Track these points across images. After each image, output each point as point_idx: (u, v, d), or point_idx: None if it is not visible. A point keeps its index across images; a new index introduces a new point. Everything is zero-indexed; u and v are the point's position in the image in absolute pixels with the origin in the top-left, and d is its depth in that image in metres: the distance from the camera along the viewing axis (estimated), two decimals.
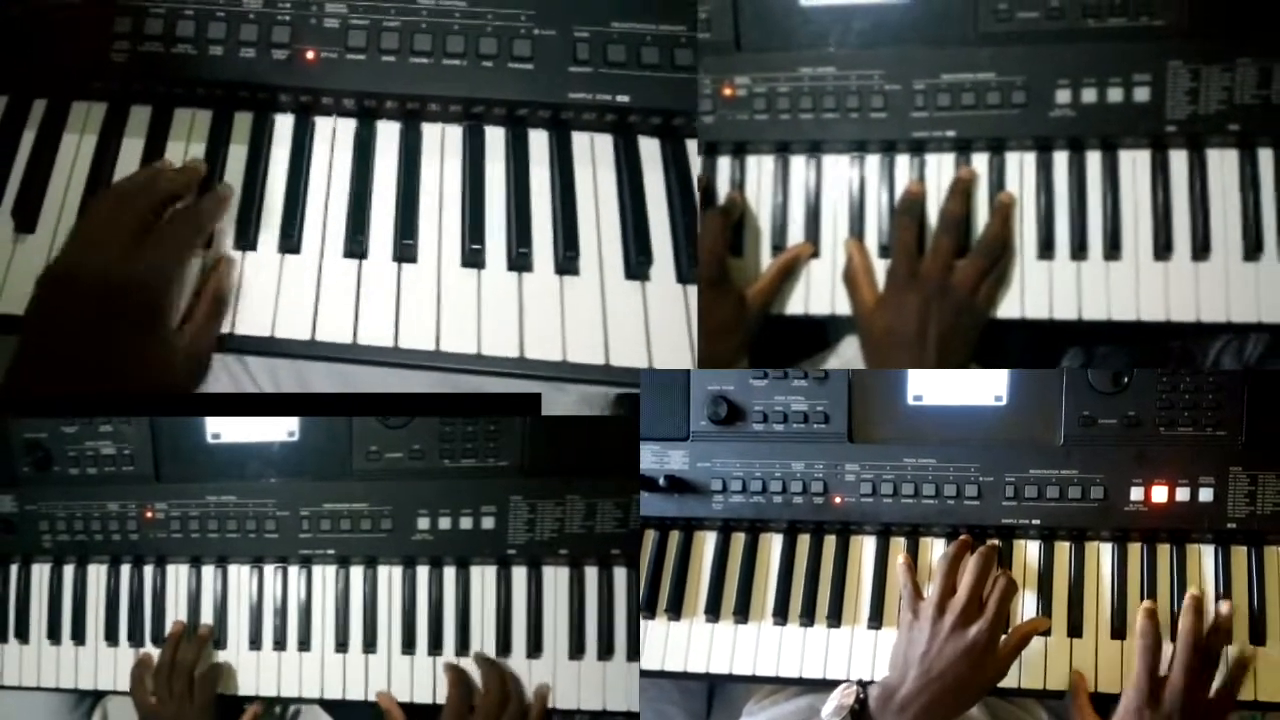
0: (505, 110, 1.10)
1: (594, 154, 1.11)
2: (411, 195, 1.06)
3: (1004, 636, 0.98)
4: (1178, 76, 1.07)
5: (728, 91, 1.14)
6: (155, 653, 1.14)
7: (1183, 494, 1.03)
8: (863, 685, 0.97)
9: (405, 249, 1.02)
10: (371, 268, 1.02)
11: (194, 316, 0.95)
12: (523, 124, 1.11)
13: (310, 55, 1.08)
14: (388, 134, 1.10)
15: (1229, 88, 1.07)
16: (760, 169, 1.16)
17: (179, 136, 1.08)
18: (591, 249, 1.05)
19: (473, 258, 1.02)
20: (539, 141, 1.11)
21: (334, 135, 1.09)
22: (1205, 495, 1.02)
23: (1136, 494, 1.03)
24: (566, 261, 1.03)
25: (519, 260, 1.03)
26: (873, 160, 1.14)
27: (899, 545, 1.09)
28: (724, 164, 1.16)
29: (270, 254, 1.02)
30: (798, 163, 1.16)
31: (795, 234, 1.14)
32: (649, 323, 1.01)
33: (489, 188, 1.07)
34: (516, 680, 1.10)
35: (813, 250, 1.13)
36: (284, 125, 1.09)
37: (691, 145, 1.12)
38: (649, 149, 1.12)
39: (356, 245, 1.02)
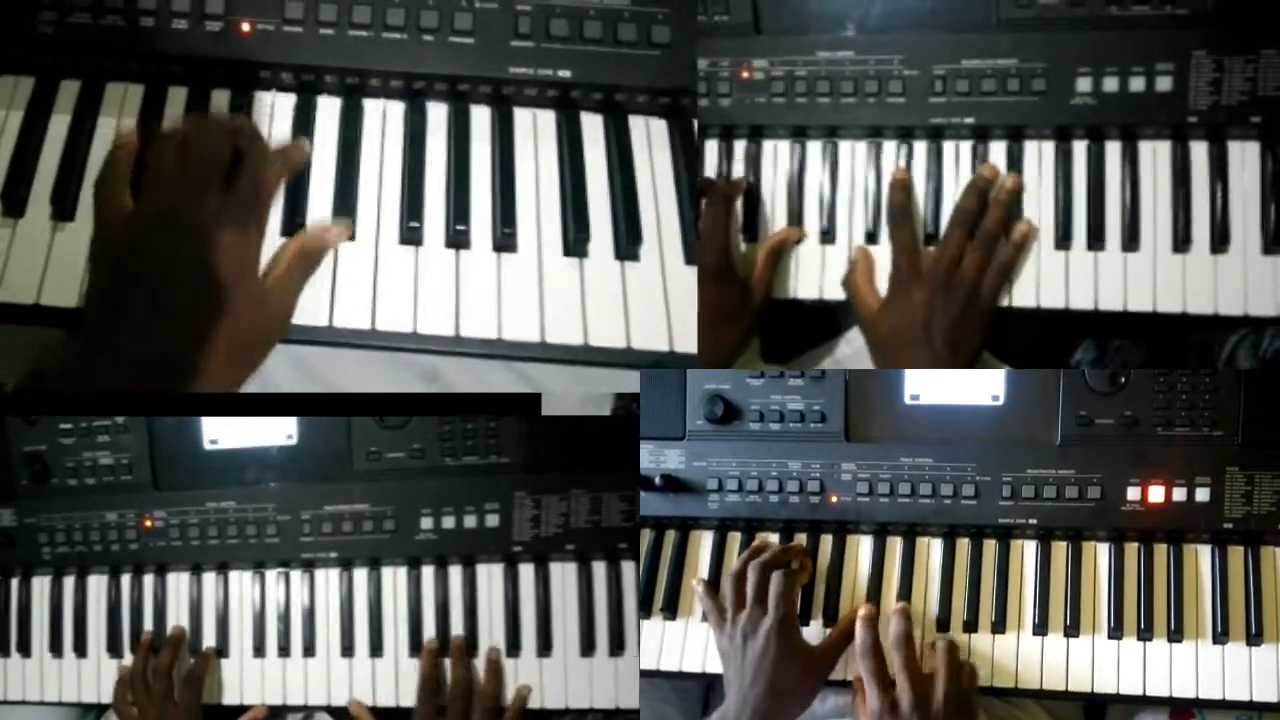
0: (447, 85, 1.08)
1: (536, 130, 1.10)
2: (351, 172, 1.04)
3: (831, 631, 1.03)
4: (1201, 67, 1.06)
5: (745, 74, 1.14)
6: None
7: (1179, 494, 1.02)
8: None
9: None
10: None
11: (275, 267, 0.94)
12: (464, 99, 1.10)
13: (246, 27, 1.05)
14: (327, 109, 1.08)
15: (1252, 79, 1.05)
16: (776, 153, 1.16)
17: (110, 112, 1.05)
18: (530, 226, 1.04)
19: (410, 235, 1.01)
20: (481, 117, 1.09)
21: (272, 111, 1.07)
22: (1202, 495, 1.02)
23: (1133, 494, 1.03)
24: (504, 238, 1.02)
25: (456, 237, 1.01)
26: (889, 146, 1.14)
27: (895, 545, 1.09)
28: (740, 148, 1.16)
29: None
30: (814, 148, 1.15)
31: (810, 219, 1.14)
32: (585, 299, 1.00)
33: (429, 164, 1.06)
34: (492, 679, 1.10)
35: (801, 234, 1.13)
36: (220, 101, 1.07)
37: (634, 121, 1.11)
38: (591, 125, 1.11)
39: (294, 224, 1.01)
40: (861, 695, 0.98)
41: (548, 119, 1.10)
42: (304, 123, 1.06)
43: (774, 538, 1.11)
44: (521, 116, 1.10)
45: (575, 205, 1.04)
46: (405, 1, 1.06)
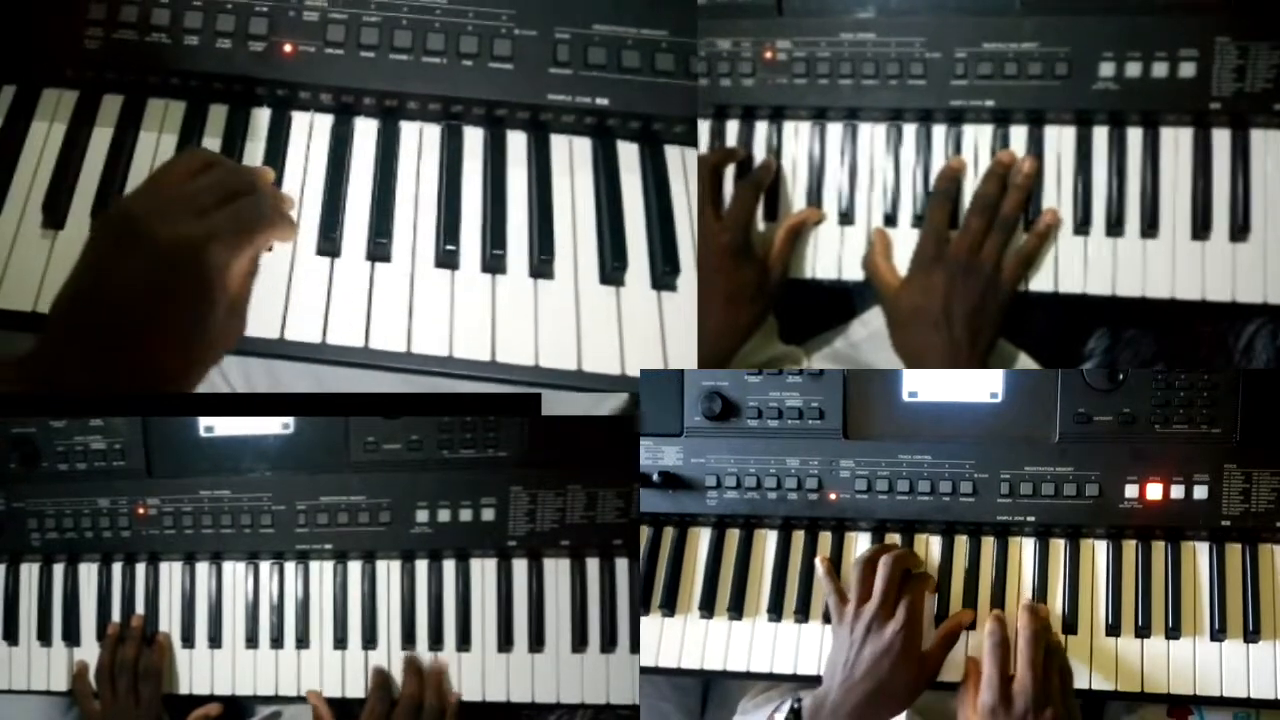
0: (484, 110, 1.10)
1: (572, 157, 1.11)
2: (387, 193, 1.05)
3: (933, 634, 1.01)
4: (1225, 53, 1.06)
5: (768, 55, 1.14)
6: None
7: (1177, 491, 1.03)
8: (798, 700, 0.99)
9: (379, 248, 1.02)
10: (344, 266, 1.01)
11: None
12: (501, 125, 1.11)
13: (288, 48, 1.07)
14: (365, 131, 1.09)
15: (1277, 66, 1.06)
16: (797, 134, 1.16)
17: (151, 127, 1.07)
18: (567, 253, 1.04)
19: (446, 258, 1.02)
20: (517, 143, 1.11)
21: (310, 131, 1.08)
22: (1200, 493, 1.03)
23: (1131, 491, 1.04)
24: (541, 265, 1.02)
25: (493, 262, 1.02)
26: (910, 129, 1.14)
27: (895, 542, 1.09)
28: (761, 128, 1.16)
29: None
30: (834, 129, 1.16)
31: (830, 201, 1.14)
32: (622, 328, 1.01)
33: (465, 188, 1.07)
34: (439, 677, 1.10)
35: (820, 215, 1.14)
36: (259, 119, 1.08)
37: (670, 151, 1.12)
38: (627, 153, 1.11)
39: (329, 243, 1.02)
40: (973, 685, 0.97)
41: (584, 146, 1.11)
42: (341, 143, 1.07)
43: (772, 535, 1.11)
44: (558, 143, 1.11)
45: (612, 234, 1.05)
46: (445, 27, 1.07)
